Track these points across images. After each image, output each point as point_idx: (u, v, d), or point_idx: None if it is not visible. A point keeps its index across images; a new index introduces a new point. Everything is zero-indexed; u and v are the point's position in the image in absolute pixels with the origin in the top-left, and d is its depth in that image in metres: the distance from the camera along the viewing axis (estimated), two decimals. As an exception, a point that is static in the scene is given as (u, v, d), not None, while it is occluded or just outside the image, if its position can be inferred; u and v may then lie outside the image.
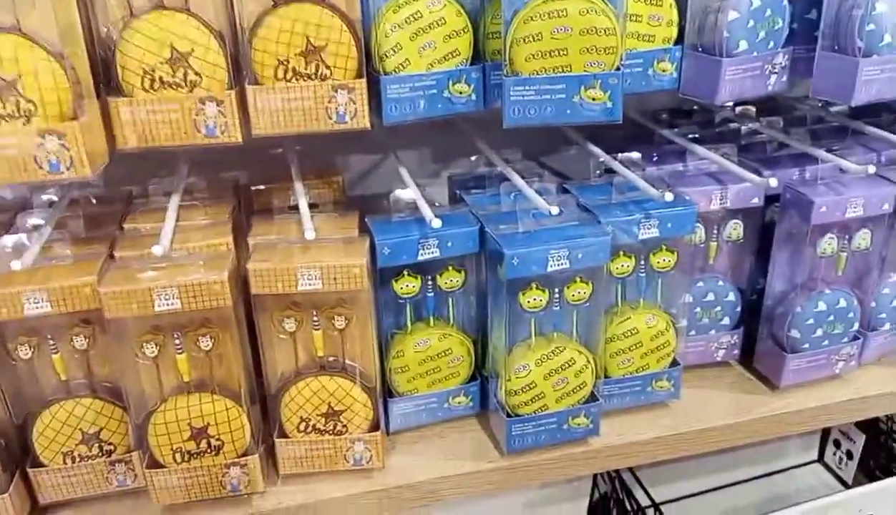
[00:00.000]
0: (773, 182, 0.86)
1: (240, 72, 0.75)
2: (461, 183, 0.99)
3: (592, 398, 0.90)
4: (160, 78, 0.71)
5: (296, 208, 0.86)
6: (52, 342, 0.77)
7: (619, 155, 0.95)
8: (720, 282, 1.00)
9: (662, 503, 1.28)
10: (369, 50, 0.78)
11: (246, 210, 0.94)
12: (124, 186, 0.95)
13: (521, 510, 1.35)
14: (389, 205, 0.89)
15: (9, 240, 0.76)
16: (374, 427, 0.85)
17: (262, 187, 0.94)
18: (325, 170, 0.99)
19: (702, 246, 0.97)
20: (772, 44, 0.85)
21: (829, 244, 0.94)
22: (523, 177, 0.90)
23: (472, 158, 1.04)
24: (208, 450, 0.80)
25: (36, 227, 0.80)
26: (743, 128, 1.09)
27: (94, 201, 0.90)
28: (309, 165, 0.94)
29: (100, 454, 0.81)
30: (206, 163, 0.94)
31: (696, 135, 1.04)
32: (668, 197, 0.83)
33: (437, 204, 0.91)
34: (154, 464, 0.80)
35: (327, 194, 0.93)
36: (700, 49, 0.84)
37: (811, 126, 1.11)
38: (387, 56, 0.77)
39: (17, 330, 0.76)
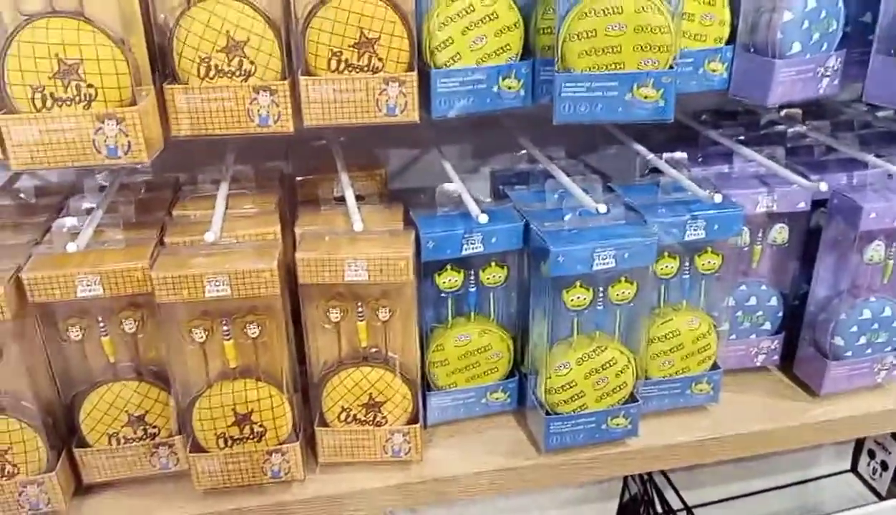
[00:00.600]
0: (823, 186, 0.85)
1: (292, 62, 0.75)
2: (504, 178, 0.99)
3: (632, 399, 0.89)
4: (215, 66, 0.72)
5: (341, 200, 0.87)
6: (101, 324, 0.78)
7: (664, 155, 0.94)
8: (763, 286, 0.99)
9: (693, 506, 1.27)
10: (420, 43, 0.78)
11: (290, 200, 0.95)
12: (171, 173, 0.96)
13: (552, 508, 1.35)
14: (434, 198, 0.89)
15: (64, 222, 0.78)
16: (414, 419, 0.86)
17: (306, 178, 0.95)
18: (368, 163, 1.00)
19: (746, 249, 0.97)
20: (825, 46, 0.84)
21: (876, 251, 0.93)
22: (567, 175, 0.90)
23: (515, 154, 1.04)
24: (251, 436, 0.81)
25: (88, 211, 0.81)
26: (789, 131, 1.08)
27: (143, 187, 0.91)
28: (352, 157, 0.95)
29: (144, 436, 0.82)
30: (250, 152, 0.94)
31: (742, 138, 1.03)
32: (717, 198, 0.82)
33: (481, 199, 0.91)
34: (197, 448, 0.81)
35: (371, 186, 0.94)
36: (752, 49, 0.84)
37: (859, 131, 1.09)
38: (438, 49, 0.77)
39: (68, 312, 0.77)
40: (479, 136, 1.18)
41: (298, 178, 0.96)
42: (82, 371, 0.80)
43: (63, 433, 0.82)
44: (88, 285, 0.73)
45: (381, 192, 0.96)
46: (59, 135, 0.66)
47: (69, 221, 0.78)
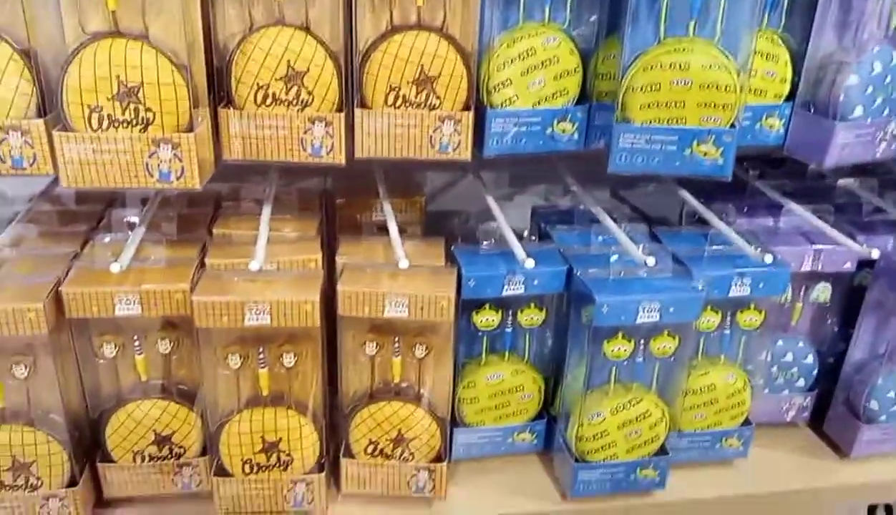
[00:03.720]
0: (875, 253, 0.83)
1: (349, 93, 0.74)
2: (545, 216, 0.98)
3: (662, 451, 0.88)
4: (273, 94, 0.71)
5: (381, 227, 0.86)
6: (137, 343, 0.77)
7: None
8: (800, 343, 0.97)
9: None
10: (478, 80, 0.77)
11: (329, 219, 0.94)
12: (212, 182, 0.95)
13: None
14: (471, 225, 0.88)
15: (105, 236, 0.77)
16: (439, 457, 0.85)
17: (346, 200, 0.94)
18: (408, 188, 0.98)
19: (787, 306, 0.95)
20: (887, 111, 0.82)
21: (921, 318, 0.91)
22: (611, 217, 0.89)
23: (557, 189, 1.02)
24: (277, 464, 0.80)
25: (129, 224, 0.80)
26: (837, 184, 1.06)
27: (185, 202, 0.89)
28: (390, 179, 0.93)
29: (169, 456, 0.81)
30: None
31: (788, 189, 1.01)
32: (768, 259, 0.81)
33: (524, 236, 0.89)
34: (222, 472, 0.80)
35: (410, 213, 0.93)
36: (812, 108, 0.82)
37: (906, 190, 1.07)
38: (496, 90, 0.76)
39: (104, 328, 0.76)
40: (517, 165, 1.16)
41: (339, 201, 0.95)
42: (112, 387, 0.80)
43: (88, 448, 0.81)
44: (127, 304, 0.72)
45: (420, 220, 0.95)
46: (112, 157, 0.65)
47: (110, 236, 0.77)
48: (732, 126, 0.74)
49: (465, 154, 0.76)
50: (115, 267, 0.69)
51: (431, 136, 0.75)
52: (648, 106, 0.73)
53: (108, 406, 0.79)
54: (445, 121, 0.74)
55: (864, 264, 0.93)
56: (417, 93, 0.73)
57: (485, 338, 0.88)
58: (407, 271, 0.78)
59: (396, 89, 0.73)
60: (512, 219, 1.04)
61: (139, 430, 0.79)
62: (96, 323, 0.76)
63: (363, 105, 0.74)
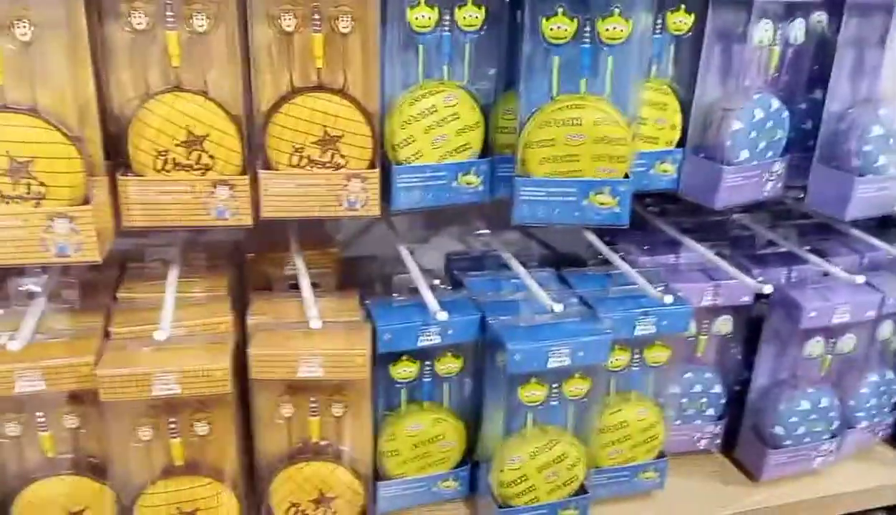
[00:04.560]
0: (768, 289, 0.88)
1: (253, 155, 0.74)
2: (459, 263, 0.99)
3: (582, 490, 0.90)
4: (173, 159, 0.70)
5: (294, 284, 0.85)
6: (41, 419, 0.74)
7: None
8: (707, 374, 1.01)
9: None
10: (382, 137, 0.78)
11: (240, 273, 0.93)
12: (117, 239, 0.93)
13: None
14: (385, 270, 0.89)
15: (2, 310, 0.74)
16: (364, 513, 0.84)
17: (257, 255, 0.93)
18: (321, 239, 0.98)
19: (692, 339, 0.99)
20: (770, 153, 0.87)
21: (815, 346, 0.96)
22: (520, 260, 0.91)
23: (469, 231, 1.04)
24: (195, 535, 0.78)
25: (29, 294, 0.77)
26: (731, 218, 1.11)
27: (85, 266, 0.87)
28: (303, 227, 0.93)
29: (81, 533, 0.78)
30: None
31: (685, 225, 1.06)
32: (668, 299, 0.84)
33: (437, 284, 0.90)
34: (138, 547, 0.78)
35: (324, 264, 0.92)
36: (701, 153, 0.87)
37: (797, 221, 1.13)
38: (400, 146, 0.77)
39: (5, 407, 0.73)
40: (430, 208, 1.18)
41: (249, 255, 0.94)
42: (18, 466, 0.76)
43: (-9, 531, 0.77)
44: (29, 380, 0.70)
45: (334, 271, 0.95)
46: (5, 233, 0.63)
47: (8, 308, 0.74)
48: (626, 176, 0.77)
49: (374, 210, 0.77)
50: (13, 346, 0.66)
51: (339, 195, 0.75)
52: (546, 160, 0.76)
53: (14, 486, 0.76)
54: (352, 180, 0.75)
55: (761, 295, 0.98)
56: (322, 154, 0.73)
57: (403, 390, 0.88)
58: (320, 328, 0.78)
59: (301, 150, 0.73)
60: (429, 259, 1.05)
61: (49, 509, 0.76)
62: (-4, 401, 0.73)
63: (268, 166, 0.74)
